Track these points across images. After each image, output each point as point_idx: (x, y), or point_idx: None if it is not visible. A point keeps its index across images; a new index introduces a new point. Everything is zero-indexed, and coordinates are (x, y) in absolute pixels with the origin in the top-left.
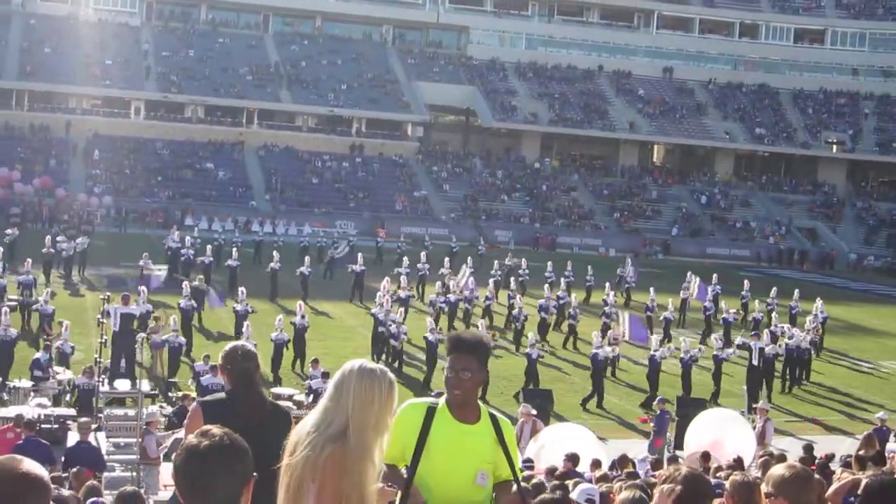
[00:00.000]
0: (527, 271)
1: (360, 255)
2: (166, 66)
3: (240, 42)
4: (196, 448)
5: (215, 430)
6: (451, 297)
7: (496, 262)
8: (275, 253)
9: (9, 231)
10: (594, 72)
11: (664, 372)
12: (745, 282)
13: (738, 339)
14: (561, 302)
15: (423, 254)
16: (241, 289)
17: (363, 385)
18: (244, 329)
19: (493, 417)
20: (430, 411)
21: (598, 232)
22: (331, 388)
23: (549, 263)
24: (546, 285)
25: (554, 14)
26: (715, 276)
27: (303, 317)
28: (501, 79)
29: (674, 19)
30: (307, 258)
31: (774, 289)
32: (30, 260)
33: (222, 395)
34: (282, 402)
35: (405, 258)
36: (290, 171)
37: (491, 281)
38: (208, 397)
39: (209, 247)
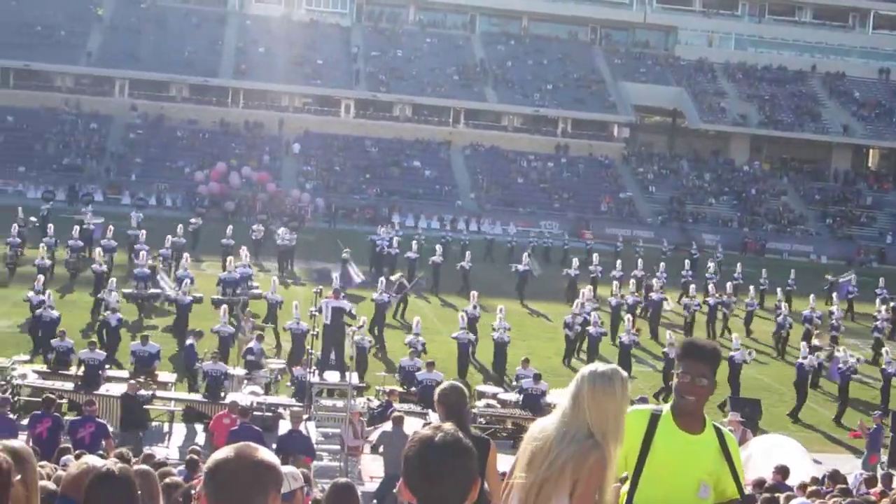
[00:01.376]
0: (740, 277)
1: (525, 255)
2: (375, 66)
3: (447, 42)
4: (430, 440)
5: (448, 426)
6: (711, 301)
7: (764, 270)
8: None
9: (193, 220)
10: (806, 73)
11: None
12: None
13: None
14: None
15: (618, 261)
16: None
17: (597, 389)
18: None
19: (717, 429)
20: (654, 418)
21: (809, 238)
22: (568, 396)
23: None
24: (812, 295)
25: (765, 13)
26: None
27: (475, 307)
28: (710, 80)
29: (891, 19)
30: (468, 253)
31: None
32: (244, 248)
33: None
34: (485, 400)
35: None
36: (496, 171)
37: (751, 288)
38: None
39: (413, 243)
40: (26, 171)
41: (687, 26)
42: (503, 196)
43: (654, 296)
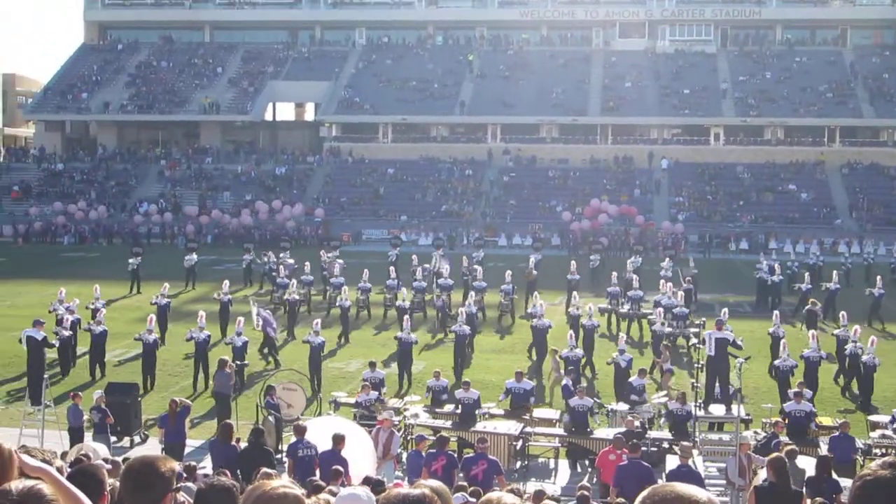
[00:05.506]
0: None
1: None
2: (743, 91)
3: (817, 59)
4: (883, 477)
5: None
6: None
7: None
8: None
9: (533, 256)
10: None
11: None
12: None
13: None
14: None
15: None
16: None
17: None
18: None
19: None
20: None
21: None
22: None
23: None
24: None
25: None
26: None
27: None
28: None
29: None
30: (879, 278)
31: None
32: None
33: (766, 483)
34: (879, 431)
35: None
36: (876, 189)
37: None
38: (762, 484)
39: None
40: (408, 219)
41: None
42: (886, 215)
43: None
